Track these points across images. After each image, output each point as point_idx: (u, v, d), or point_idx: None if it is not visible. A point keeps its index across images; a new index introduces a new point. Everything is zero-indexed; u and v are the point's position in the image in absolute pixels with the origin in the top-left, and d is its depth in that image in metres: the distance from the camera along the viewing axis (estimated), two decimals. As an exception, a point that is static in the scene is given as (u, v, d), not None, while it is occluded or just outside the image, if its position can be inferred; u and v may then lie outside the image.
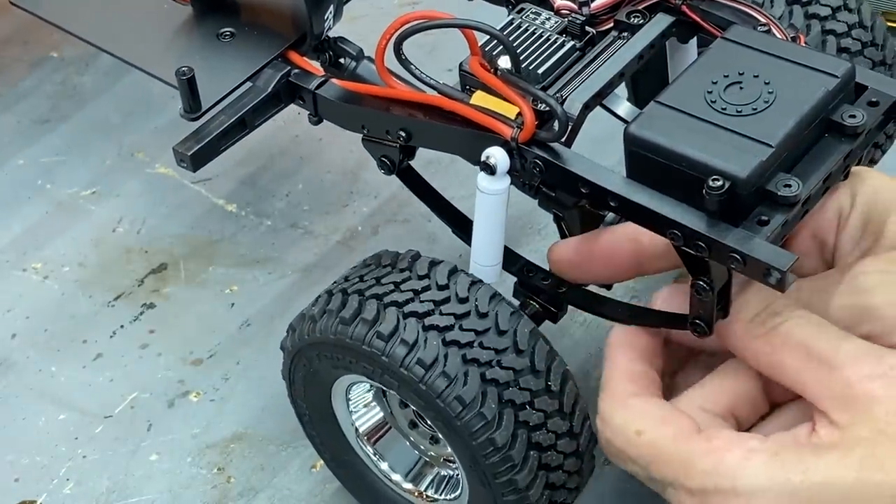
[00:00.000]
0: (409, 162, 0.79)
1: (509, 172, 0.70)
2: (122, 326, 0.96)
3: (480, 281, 0.70)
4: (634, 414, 0.68)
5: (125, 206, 1.04)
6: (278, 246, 1.00)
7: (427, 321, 0.68)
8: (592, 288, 0.79)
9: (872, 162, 0.87)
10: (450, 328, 0.68)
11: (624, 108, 0.86)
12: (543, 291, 0.78)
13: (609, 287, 0.80)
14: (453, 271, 0.70)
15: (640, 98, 0.90)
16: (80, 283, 0.99)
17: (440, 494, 0.79)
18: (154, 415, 0.90)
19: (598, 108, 0.75)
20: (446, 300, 0.69)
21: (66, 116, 1.12)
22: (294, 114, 1.06)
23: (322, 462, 0.86)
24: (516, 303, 0.75)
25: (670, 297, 0.72)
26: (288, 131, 1.08)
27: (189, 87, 0.77)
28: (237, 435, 0.89)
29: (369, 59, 0.83)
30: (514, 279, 0.79)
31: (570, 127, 0.69)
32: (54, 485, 0.87)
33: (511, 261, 0.78)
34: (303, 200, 1.03)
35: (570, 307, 0.79)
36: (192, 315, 0.96)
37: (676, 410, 0.68)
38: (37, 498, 0.86)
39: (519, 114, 0.69)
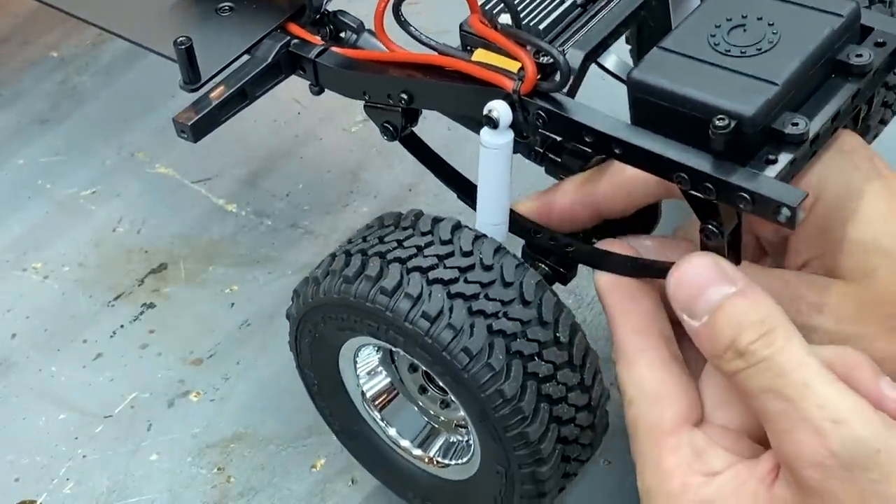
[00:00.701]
0: (413, 128, 0.79)
1: (512, 126, 0.70)
2: (122, 326, 0.95)
3: (484, 235, 0.70)
4: (634, 378, 0.67)
5: (125, 206, 1.04)
6: (278, 246, 1.00)
7: (431, 275, 0.68)
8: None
9: (883, 122, 0.87)
10: (454, 281, 0.68)
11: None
12: (552, 252, 0.77)
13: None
14: (457, 227, 0.70)
15: (643, 54, 0.89)
16: (80, 283, 0.98)
17: (450, 459, 0.78)
18: (154, 415, 0.90)
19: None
20: (450, 254, 0.69)
21: (66, 116, 1.12)
22: (294, 114, 1.07)
23: (322, 462, 0.86)
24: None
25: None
26: (288, 131, 1.08)
27: (187, 57, 0.77)
28: (237, 435, 0.88)
29: (370, 31, 0.84)
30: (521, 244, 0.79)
31: (572, 78, 0.69)
32: (54, 485, 0.86)
33: (518, 223, 0.78)
34: (303, 200, 1.03)
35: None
36: (192, 315, 0.96)
37: (677, 387, 0.67)
38: (37, 498, 0.86)
39: (521, 67, 0.69)
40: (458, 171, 0.83)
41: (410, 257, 0.69)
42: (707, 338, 0.64)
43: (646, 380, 0.67)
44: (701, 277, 0.64)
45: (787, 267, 0.72)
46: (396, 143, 0.80)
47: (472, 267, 0.68)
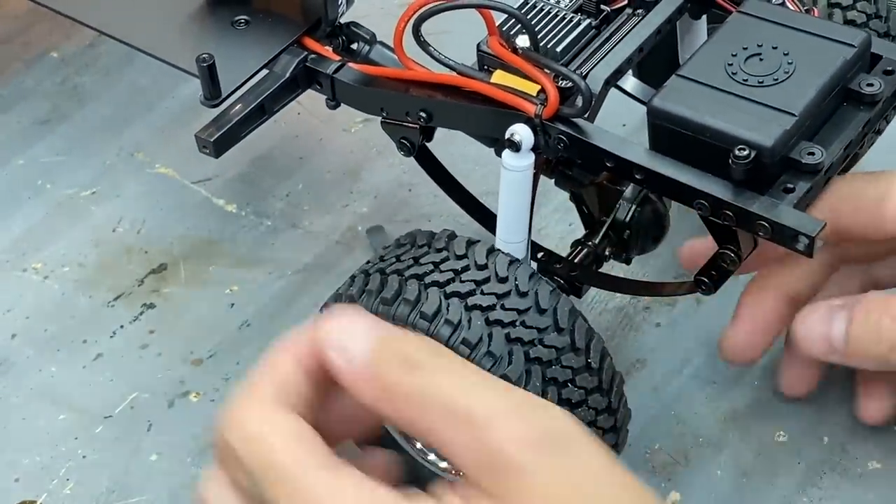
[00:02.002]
0: (427, 143, 0.80)
1: (533, 149, 0.71)
2: (122, 326, 0.95)
3: (518, 260, 0.71)
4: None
5: (125, 206, 1.03)
6: (278, 246, 1.00)
7: (470, 301, 0.68)
8: (604, 268, 0.80)
9: (878, 133, 0.89)
10: (492, 308, 0.68)
11: (630, 83, 0.88)
12: (559, 274, 0.79)
13: (628, 263, 0.80)
14: (491, 251, 0.70)
15: (644, 74, 0.91)
16: (80, 283, 0.98)
17: None
18: (154, 415, 0.90)
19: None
20: (486, 280, 0.69)
21: (66, 116, 1.11)
22: (294, 114, 1.07)
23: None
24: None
25: None
26: (288, 131, 1.08)
27: (210, 74, 0.78)
28: (238, 435, 0.88)
29: (382, 43, 0.85)
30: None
31: (592, 102, 0.70)
32: (54, 485, 0.86)
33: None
34: (303, 200, 1.03)
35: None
36: (192, 315, 0.96)
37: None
38: (37, 498, 0.85)
39: (541, 90, 0.70)
40: (465, 188, 0.84)
41: (448, 282, 0.69)
42: None
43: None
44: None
45: None
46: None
47: (508, 293, 0.69)
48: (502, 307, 0.68)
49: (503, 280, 0.69)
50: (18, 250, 1.01)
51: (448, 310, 0.68)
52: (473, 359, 0.67)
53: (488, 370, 0.67)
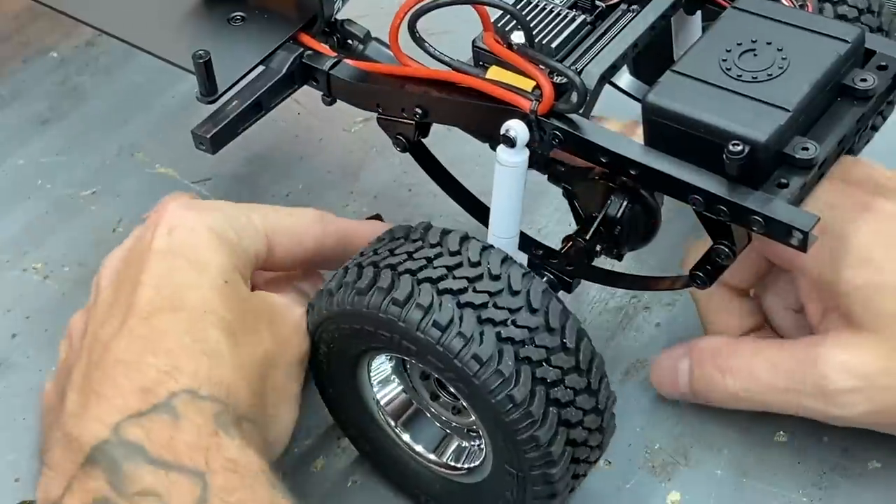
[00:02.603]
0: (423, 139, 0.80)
1: (528, 145, 0.71)
2: (121, 326, 0.95)
3: (491, 246, 0.71)
4: None
5: (125, 206, 1.03)
6: (279, 246, 1.00)
7: (441, 286, 0.69)
8: (597, 263, 0.80)
9: (874, 129, 0.89)
10: (463, 291, 0.69)
11: (624, 80, 0.88)
12: (553, 267, 0.79)
13: (620, 258, 0.80)
14: (465, 238, 0.71)
15: (640, 71, 0.91)
16: (80, 283, 0.97)
17: (463, 463, 0.79)
18: (154, 415, 0.90)
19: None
20: (459, 265, 0.70)
21: (66, 116, 1.12)
22: (294, 114, 1.07)
23: (322, 462, 0.86)
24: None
25: None
26: (288, 131, 1.08)
27: (206, 71, 0.78)
28: (237, 435, 0.88)
29: (377, 40, 0.85)
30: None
31: (587, 98, 0.70)
32: (54, 485, 0.86)
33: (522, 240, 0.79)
34: (303, 200, 1.03)
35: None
36: (193, 315, 0.96)
37: None
38: (37, 498, 0.85)
39: (536, 86, 0.70)
40: (461, 183, 0.84)
41: (421, 269, 0.70)
42: None
43: None
44: None
45: (809, 319, 0.74)
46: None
47: (480, 277, 0.69)
48: (474, 290, 0.69)
49: (475, 264, 0.70)
50: (18, 250, 1.01)
51: (420, 294, 0.69)
52: (444, 341, 0.68)
53: (459, 351, 0.68)
